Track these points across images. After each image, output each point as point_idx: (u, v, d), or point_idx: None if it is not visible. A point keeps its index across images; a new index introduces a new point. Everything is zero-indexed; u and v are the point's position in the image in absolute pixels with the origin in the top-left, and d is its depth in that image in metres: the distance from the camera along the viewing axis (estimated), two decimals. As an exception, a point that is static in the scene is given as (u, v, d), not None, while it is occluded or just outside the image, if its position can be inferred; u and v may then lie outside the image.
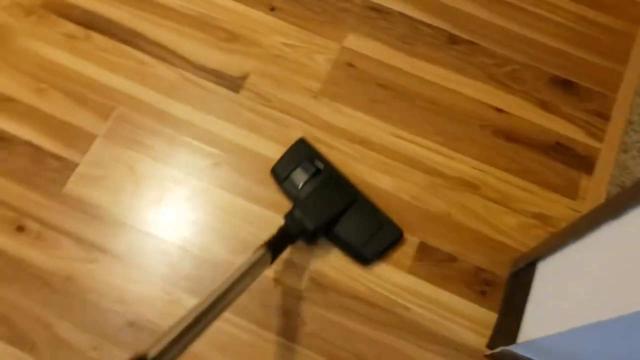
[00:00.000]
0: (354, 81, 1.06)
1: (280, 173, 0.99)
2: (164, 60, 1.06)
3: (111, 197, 0.96)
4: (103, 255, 0.93)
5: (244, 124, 1.02)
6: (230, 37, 1.09)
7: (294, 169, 0.98)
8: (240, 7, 1.11)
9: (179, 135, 1.01)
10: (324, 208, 0.94)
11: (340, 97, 1.05)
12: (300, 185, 0.96)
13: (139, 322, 0.90)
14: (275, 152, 1.00)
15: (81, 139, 1.00)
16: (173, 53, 1.06)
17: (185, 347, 0.64)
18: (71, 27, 1.08)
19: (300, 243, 0.95)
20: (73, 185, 0.97)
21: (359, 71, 1.07)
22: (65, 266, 0.92)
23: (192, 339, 0.65)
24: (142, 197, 0.97)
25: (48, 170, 0.97)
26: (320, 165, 0.98)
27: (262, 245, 0.83)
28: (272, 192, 0.98)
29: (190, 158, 0.99)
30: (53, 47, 1.06)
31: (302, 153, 1.00)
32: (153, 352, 0.60)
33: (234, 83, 1.05)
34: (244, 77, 1.06)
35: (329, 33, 1.10)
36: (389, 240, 0.96)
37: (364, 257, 0.95)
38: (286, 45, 1.09)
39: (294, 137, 1.01)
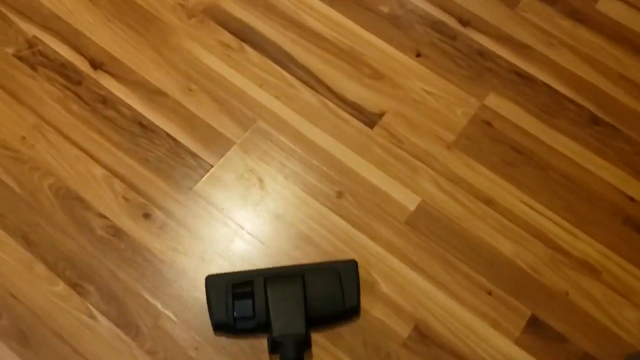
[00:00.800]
0: (488, 140, 1.07)
1: (224, 320, 0.89)
2: (308, 85, 1.09)
3: (236, 204, 0.99)
4: (219, 258, 0.95)
5: (373, 160, 1.04)
6: (374, 75, 1.11)
7: (233, 306, 0.89)
8: (389, 48, 1.14)
9: (311, 158, 1.03)
10: (291, 310, 0.88)
11: (473, 153, 1.05)
12: (251, 313, 0.88)
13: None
14: (399, 193, 1.01)
15: (219, 143, 1.04)
16: (318, 80, 1.10)
17: None
18: (227, 36, 1.13)
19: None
20: (203, 185, 1.00)
21: (495, 131, 1.08)
22: (182, 262, 0.94)
23: None
24: (265, 209, 0.99)
25: (184, 166, 1.01)
26: (248, 279, 0.90)
27: None
28: (390, 233, 0.98)
29: (317, 182, 1.01)
30: (208, 51, 1.11)
31: (221, 286, 0.90)
32: None
33: (370, 119, 1.07)
34: (381, 115, 1.08)
35: (471, 88, 1.11)
36: (354, 277, 0.92)
37: (353, 310, 0.91)
38: (427, 92, 1.10)
39: (420, 182, 1.02)
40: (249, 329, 0.89)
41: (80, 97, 1.05)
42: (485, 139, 1.07)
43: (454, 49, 1.15)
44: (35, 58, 1.08)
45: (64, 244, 0.94)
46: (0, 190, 0.96)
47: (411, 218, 0.99)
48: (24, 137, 1.01)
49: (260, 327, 0.88)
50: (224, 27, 1.14)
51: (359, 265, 0.94)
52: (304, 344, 0.86)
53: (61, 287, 0.91)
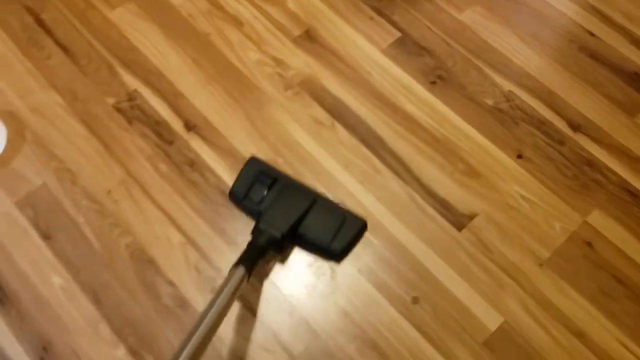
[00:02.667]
0: (587, 263, 0.97)
1: (238, 193, 1.01)
2: (397, 174, 1.05)
3: (304, 292, 0.95)
4: (280, 349, 0.91)
5: (457, 267, 0.97)
6: (469, 172, 1.05)
7: (251, 187, 1.00)
8: (488, 145, 1.08)
9: (389, 254, 0.98)
10: (286, 215, 0.97)
11: (568, 276, 0.96)
12: (260, 199, 0.99)
13: None
14: (481, 309, 0.93)
15: (297, 224, 1.01)
16: (408, 170, 1.05)
17: None
18: (320, 112, 1.11)
19: (271, 254, 0.97)
20: (274, 268, 0.98)
21: (595, 253, 0.98)
22: (243, 347, 0.91)
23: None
24: (333, 303, 0.94)
25: (258, 244, 1.00)
26: (275, 175, 1.02)
27: (235, 264, 0.87)
28: (465, 353, 0.90)
29: (392, 282, 0.95)
30: (299, 125, 1.10)
31: (255, 169, 1.03)
32: None
33: (458, 220, 1.01)
34: (471, 217, 1.01)
35: (574, 202, 1.02)
36: (354, 231, 0.98)
37: (333, 252, 0.97)
38: (524, 198, 1.02)
39: (506, 301, 0.93)
40: (250, 209, 1.01)
41: (169, 157, 1.06)
42: (583, 262, 0.97)
43: (560, 154, 1.07)
44: (133, 112, 1.11)
45: (130, 309, 0.93)
46: (80, 244, 0.98)
47: (491, 340, 0.91)
48: (109, 191, 1.03)
49: (258, 214, 0.98)
50: (318, 102, 1.12)
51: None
52: (275, 243, 0.94)
53: (122, 352, 0.90)
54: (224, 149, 1.07)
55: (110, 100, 1.11)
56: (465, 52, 1.19)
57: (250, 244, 0.93)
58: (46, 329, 0.92)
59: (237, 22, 1.21)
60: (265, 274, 0.96)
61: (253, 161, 1.04)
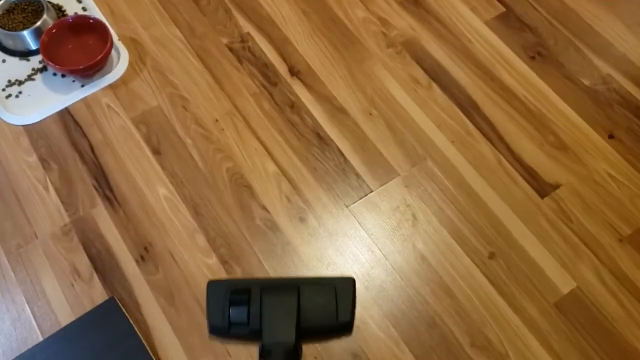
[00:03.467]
0: (668, 245, 0.98)
1: (220, 326, 0.87)
2: (487, 138, 1.08)
3: (385, 233, 1.01)
4: (358, 281, 0.97)
5: (536, 231, 1.00)
6: (559, 145, 1.07)
7: (229, 311, 0.87)
8: (580, 122, 1.10)
9: (471, 211, 1.02)
10: (284, 319, 0.87)
11: (647, 254, 0.97)
12: (246, 319, 0.87)
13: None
14: (555, 273, 0.96)
15: (384, 171, 1.06)
16: (499, 136, 1.08)
17: None
18: (419, 72, 1.16)
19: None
20: (359, 206, 1.03)
21: (678, 238, 0.99)
22: (322, 274, 0.98)
23: None
24: (412, 247, 0.99)
25: (346, 184, 1.05)
26: (245, 286, 0.89)
27: None
28: (535, 310, 0.93)
29: (471, 236, 0.99)
30: (397, 82, 1.15)
31: (221, 291, 0.89)
32: None
33: (543, 188, 1.03)
34: (555, 187, 1.03)
35: (662, 186, 1.03)
36: (350, 293, 0.89)
37: (346, 324, 0.87)
38: (611, 176, 1.04)
39: (581, 268, 0.96)
40: (243, 335, 0.89)
41: (272, 97, 1.14)
42: (665, 243, 0.98)
43: (653, 139, 1.08)
44: (244, 53, 1.19)
45: (225, 224, 1.02)
46: (186, 162, 1.07)
47: (561, 302, 0.94)
48: (217, 120, 1.11)
49: (253, 334, 0.87)
50: (418, 63, 1.17)
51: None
52: (294, 354, 0.86)
53: (213, 261, 0.99)
54: (323, 96, 1.14)
55: (225, 40, 1.20)
56: (567, 32, 1.20)
57: None
58: (149, 232, 1.01)
59: (348, -19, 1.28)
60: (350, 214, 1.02)
61: (213, 285, 0.90)
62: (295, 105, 1.13)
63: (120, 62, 1.17)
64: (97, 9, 1.23)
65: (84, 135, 1.10)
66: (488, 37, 1.20)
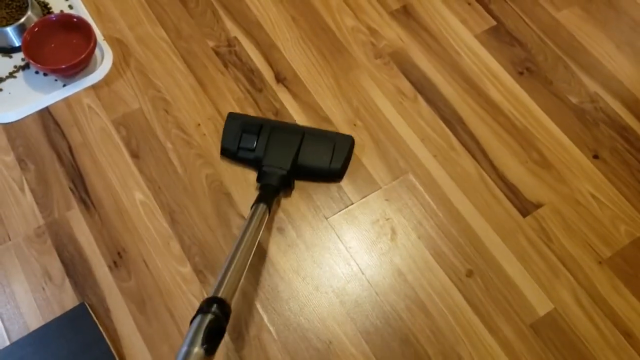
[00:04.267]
0: (648, 269, 0.97)
1: (230, 147, 1.06)
2: (471, 153, 1.07)
3: (363, 247, 0.99)
4: (333, 294, 0.96)
5: (516, 250, 0.98)
6: (543, 163, 1.06)
7: (240, 138, 1.05)
8: (565, 141, 1.08)
9: (450, 226, 1.01)
10: (284, 153, 1.03)
11: (626, 278, 0.96)
12: (253, 147, 1.04)
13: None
14: (533, 294, 0.94)
15: (365, 184, 1.05)
16: (483, 152, 1.07)
17: (237, 284, 0.83)
18: (405, 85, 1.15)
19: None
20: (339, 218, 1.02)
21: (658, 262, 0.98)
22: (298, 285, 0.96)
23: (237, 279, 0.83)
24: (389, 262, 0.98)
25: (327, 195, 1.04)
26: (259, 122, 1.07)
27: (255, 203, 0.96)
28: (510, 331, 0.92)
29: (449, 253, 0.98)
30: (383, 94, 1.14)
31: (238, 122, 1.08)
32: (219, 293, 0.79)
33: (524, 207, 1.02)
34: (537, 206, 1.02)
35: (645, 209, 1.02)
36: (346, 148, 1.06)
37: (335, 172, 1.05)
38: (594, 197, 1.03)
39: (559, 289, 0.95)
40: (247, 158, 1.06)
41: (257, 103, 1.12)
42: (644, 267, 0.98)
43: (637, 161, 1.07)
44: (230, 57, 1.18)
45: (201, 232, 1.00)
46: (165, 166, 1.06)
47: (537, 323, 0.93)
48: (199, 125, 1.10)
49: (256, 160, 1.04)
50: (405, 75, 1.16)
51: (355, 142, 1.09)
52: (285, 180, 1.02)
53: (187, 269, 0.97)
54: (308, 104, 1.13)
55: (211, 43, 1.19)
56: (557, 49, 1.19)
57: (262, 187, 1.01)
58: (123, 237, 1.00)
59: (338, -12, 1.26)
60: (329, 226, 1.01)
61: (233, 116, 1.09)
62: (279, 113, 1.12)
63: (104, 62, 1.15)
64: (83, 7, 1.22)
65: (64, 136, 1.09)
66: (477, 51, 1.19)
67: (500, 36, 1.21)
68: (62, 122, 1.10)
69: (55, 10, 1.21)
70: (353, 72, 1.16)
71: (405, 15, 1.23)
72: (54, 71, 1.10)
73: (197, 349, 0.71)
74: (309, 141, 1.05)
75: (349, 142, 1.07)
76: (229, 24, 1.21)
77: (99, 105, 1.12)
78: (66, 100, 1.12)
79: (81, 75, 1.14)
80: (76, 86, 1.13)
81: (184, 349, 0.71)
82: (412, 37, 1.20)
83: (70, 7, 1.22)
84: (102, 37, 1.18)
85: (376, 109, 1.12)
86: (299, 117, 1.11)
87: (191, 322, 0.75)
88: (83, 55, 1.09)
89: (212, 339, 0.73)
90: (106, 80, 1.14)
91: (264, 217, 0.95)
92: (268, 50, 1.19)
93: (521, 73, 1.16)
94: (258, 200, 0.97)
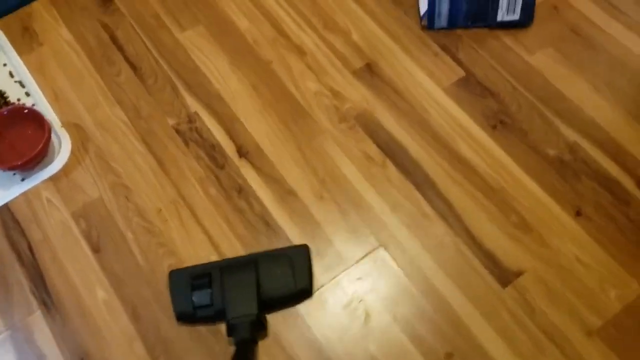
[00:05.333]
0: (642, 338, 0.90)
1: (186, 311, 0.96)
2: (445, 220, 1.01)
3: (335, 333, 0.93)
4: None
5: (497, 326, 0.92)
6: (522, 225, 1.00)
7: (192, 296, 0.95)
8: (545, 198, 1.02)
9: (426, 303, 0.95)
10: (245, 295, 0.94)
11: (619, 349, 0.89)
12: (209, 301, 0.94)
13: None
14: (517, 372, 0.88)
15: (335, 262, 0.99)
16: (457, 217, 1.01)
17: None
18: (372, 149, 1.10)
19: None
20: (306, 304, 0.97)
21: (653, 329, 0.90)
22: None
23: None
24: (363, 349, 0.92)
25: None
26: (206, 271, 0.97)
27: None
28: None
29: (426, 334, 0.92)
30: (350, 160, 1.09)
31: (183, 278, 0.98)
32: None
33: (504, 276, 0.96)
34: (518, 274, 0.96)
35: (636, 270, 0.95)
36: (305, 261, 0.99)
37: (305, 291, 0.97)
38: (579, 260, 0.96)
39: (546, 368, 0.88)
40: (209, 316, 0.95)
41: (219, 182, 1.08)
42: (639, 336, 0.90)
43: (624, 216, 1.00)
44: (191, 134, 1.14)
45: (165, 329, 0.95)
46: (126, 259, 1.01)
47: (523, 409, 0.86)
48: (160, 210, 1.06)
49: (219, 314, 0.94)
50: (372, 138, 1.11)
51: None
52: (258, 325, 0.93)
53: (152, 371, 0.93)
54: (272, 177, 1.08)
55: (171, 121, 1.15)
56: (532, 96, 1.13)
57: (237, 343, 0.92)
58: (86, 340, 0.95)
59: (300, 52, 1.21)
60: (298, 313, 0.96)
61: (175, 274, 0.99)
62: (242, 190, 1.07)
63: (62, 150, 1.12)
64: (40, 93, 1.19)
65: (23, 233, 1.05)
66: (446, 106, 1.13)
67: (470, 87, 1.15)
68: (21, 218, 1.07)
69: (12, 97, 1.19)
70: (317, 139, 1.12)
71: (370, 73, 1.18)
72: (10, 169, 1.07)
73: None
74: (265, 270, 0.96)
75: (306, 253, 0.99)
76: (189, 99, 1.18)
77: (58, 197, 1.08)
78: (25, 195, 1.09)
79: (40, 166, 1.11)
80: (35, 179, 1.10)
81: None
82: (377, 96, 1.15)
83: (27, 94, 1.19)
84: (60, 124, 1.15)
85: (343, 178, 1.07)
86: (263, 193, 1.06)
87: None
88: (37, 150, 1.06)
89: None
90: (65, 170, 1.11)
91: None
92: (230, 123, 1.15)
93: (494, 127, 1.10)
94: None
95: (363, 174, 1.07)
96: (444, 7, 1.17)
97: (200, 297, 0.94)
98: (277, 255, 0.98)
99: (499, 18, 1.18)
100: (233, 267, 0.97)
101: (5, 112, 1.10)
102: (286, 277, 0.96)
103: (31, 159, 1.06)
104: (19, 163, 1.05)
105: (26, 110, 1.10)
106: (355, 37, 1.23)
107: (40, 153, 1.07)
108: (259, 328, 0.94)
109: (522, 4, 1.16)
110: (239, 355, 0.89)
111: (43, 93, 1.19)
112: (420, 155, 1.08)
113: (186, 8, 1.28)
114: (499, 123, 1.11)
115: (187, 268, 1.00)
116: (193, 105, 1.17)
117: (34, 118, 1.10)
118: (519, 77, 1.16)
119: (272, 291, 0.95)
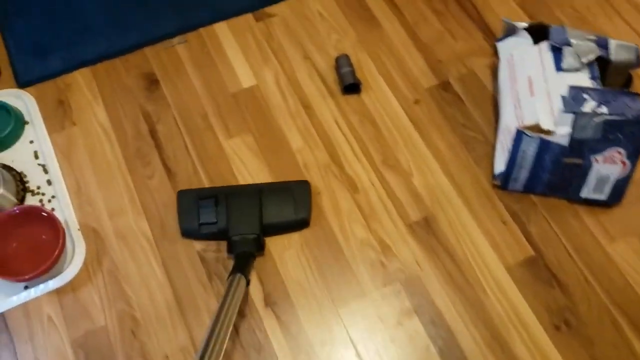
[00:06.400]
0: None
1: (191, 227, 1.03)
2: None
3: None
4: None
5: None
6: None
7: (198, 214, 1.02)
8: None
9: None
10: (248, 217, 1.02)
11: None
12: (214, 219, 1.02)
13: None
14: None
15: None
16: None
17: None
18: (417, 327, 0.96)
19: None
20: None
21: None
22: None
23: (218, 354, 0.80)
24: None
25: None
26: (212, 193, 1.04)
27: (231, 273, 0.94)
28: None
29: None
30: (390, 339, 0.95)
31: (190, 198, 1.05)
32: None
33: None
34: None
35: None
36: (305, 194, 1.05)
37: (303, 220, 1.04)
38: None
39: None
40: (212, 233, 1.02)
41: (238, 335, 0.95)
42: None
43: None
44: (216, 266, 1.01)
45: None
46: (119, 413, 0.91)
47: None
48: (167, 357, 0.94)
49: (221, 232, 1.02)
50: (417, 313, 0.96)
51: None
52: (257, 245, 1.01)
53: None
54: (297, 340, 0.95)
55: (198, 246, 1.03)
56: (606, 297, 0.98)
57: (237, 256, 0.98)
58: None
59: (352, 187, 1.08)
60: None
61: (183, 193, 1.06)
62: (262, 350, 0.95)
63: (75, 259, 1.01)
64: (63, 184, 1.08)
65: (15, 353, 0.95)
66: (507, 290, 0.99)
67: (537, 271, 1.01)
68: (16, 334, 0.96)
69: (32, 183, 1.08)
70: (355, 302, 0.98)
71: (426, 230, 1.04)
72: (17, 281, 0.96)
73: None
74: (269, 198, 1.04)
75: (307, 187, 1.06)
76: (222, 222, 1.06)
77: (61, 317, 0.97)
78: (25, 306, 0.98)
79: (47, 275, 1.00)
80: (39, 290, 0.99)
81: None
82: (431, 260, 1.01)
83: (49, 182, 1.08)
84: (78, 226, 1.04)
85: (373, 345, 0.94)
86: (283, 354, 0.94)
87: None
88: (47, 265, 0.95)
89: None
90: (73, 284, 1.00)
91: (242, 289, 0.93)
92: (261, 260, 1.02)
93: (558, 327, 0.96)
94: (234, 271, 0.94)
95: (394, 341, 0.94)
96: (522, 174, 1.04)
97: (205, 215, 1.01)
98: (281, 186, 1.06)
99: (583, 194, 1.04)
100: (239, 192, 1.05)
101: (16, 211, 0.99)
102: (287, 206, 1.03)
103: (39, 273, 0.95)
104: (26, 277, 0.95)
105: (44, 214, 0.99)
106: (416, 181, 1.09)
107: (50, 267, 0.96)
108: (258, 247, 1.01)
109: (613, 186, 1.02)
110: (237, 265, 0.96)
111: (66, 183, 1.08)
112: (468, 345, 0.94)
113: (238, 111, 1.16)
114: (564, 324, 0.96)
115: (195, 189, 1.07)
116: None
117: (51, 224, 0.99)
118: (594, 269, 1.01)
119: (273, 217, 1.03)
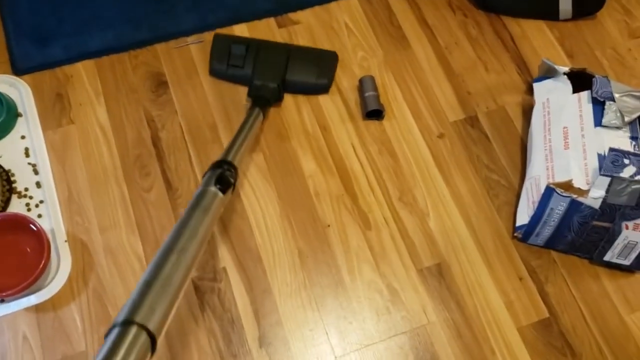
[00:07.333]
0: None
1: (220, 66, 1.11)
2: None
3: None
4: None
5: None
6: None
7: (228, 57, 1.10)
8: None
9: None
10: (273, 69, 1.08)
11: None
12: (242, 64, 1.09)
13: None
14: None
15: None
16: None
17: (242, 148, 0.96)
18: (418, 383, 0.91)
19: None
20: None
21: None
22: None
23: (241, 145, 0.96)
24: None
25: None
26: (246, 41, 1.12)
27: (250, 108, 1.03)
28: None
29: None
30: (387, 393, 0.90)
31: (225, 42, 1.12)
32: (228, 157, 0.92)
33: None
34: None
35: None
36: (332, 62, 1.13)
37: (323, 86, 1.11)
38: None
39: None
40: (237, 75, 1.10)
41: (228, 373, 0.90)
42: None
43: None
44: (211, 297, 0.94)
45: None
46: None
47: None
48: (149, 393, 0.88)
49: (246, 77, 1.09)
50: (420, 370, 0.92)
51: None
52: (275, 94, 1.07)
53: None
54: (292, 388, 0.89)
55: (193, 273, 0.96)
56: (619, 371, 0.94)
57: (254, 97, 1.05)
58: None
59: (365, 222, 1.01)
60: None
61: (219, 37, 1.13)
62: (252, 393, 0.89)
63: (58, 274, 0.93)
64: (53, 188, 0.99)
65: (-16, 373, 0.88)
66: (517, 353, 0.93)
67: (550, 336, 0.95)
68: (-13, 351, 0.90)
69: (20, 184, 1.00)
70: (359, 351, 0.93)
71: (438, 278, 0.98)
72: (-8, 294, 0.89)
73: (212, 188, 0.83)
74: (296, 58, 1.10)
75: (334, 57, 1.13)
76: (221, 248, 0.98)
77: (37, 338, 0.90)
78: None
79: (27, 291, 0.92)
80: (17, 304, 0.91)
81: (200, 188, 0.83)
82: (440, 313, 0.95)
83: (38, 184, 1.00)
84: (65, 237, 0.96)
85: (374, 416, 0.89)
86: (276, 404, 0.88)
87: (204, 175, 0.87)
88: (27, 282, 0.87)
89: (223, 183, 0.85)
90: (54, 302, 0.92)
91: (259, 119, 1.02)
92: (260, 294, 0.95)
93: (567, 402, 0.91)
94: (253, 106, 1.03)
95: (398, 418, 0.89)
96: (546, 231, 0.97)
97: (235, 59, 1.09)
98: (311, 50, 1.14)
99: (607, 258, 0.98)
100: (271, 46, 1.12)
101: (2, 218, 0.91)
102: (311, 70, 1.10)
103: (18, 291, 0.88)
104: (4, 294, 0.87)
105: (32, 225, 0.91)
106: (432, 223, 1.02)
107: (31, 284, 0.89)
108: (276, 96, 1.08)
109: (639, 254, 0.96)
110: (254, 102, 1.04)
111: (57, 188, 1.00)
112: (473, 411, 0.89)
113: (248, 125, 1.09)
114: (574, 400, 0.92)
115: (231, 36, 1.14)
116: (224, 258, 0.97)
117: (38, 238, 0.91)
118: (610, 340, 0.95)
119: (296, 75, 1.09)
